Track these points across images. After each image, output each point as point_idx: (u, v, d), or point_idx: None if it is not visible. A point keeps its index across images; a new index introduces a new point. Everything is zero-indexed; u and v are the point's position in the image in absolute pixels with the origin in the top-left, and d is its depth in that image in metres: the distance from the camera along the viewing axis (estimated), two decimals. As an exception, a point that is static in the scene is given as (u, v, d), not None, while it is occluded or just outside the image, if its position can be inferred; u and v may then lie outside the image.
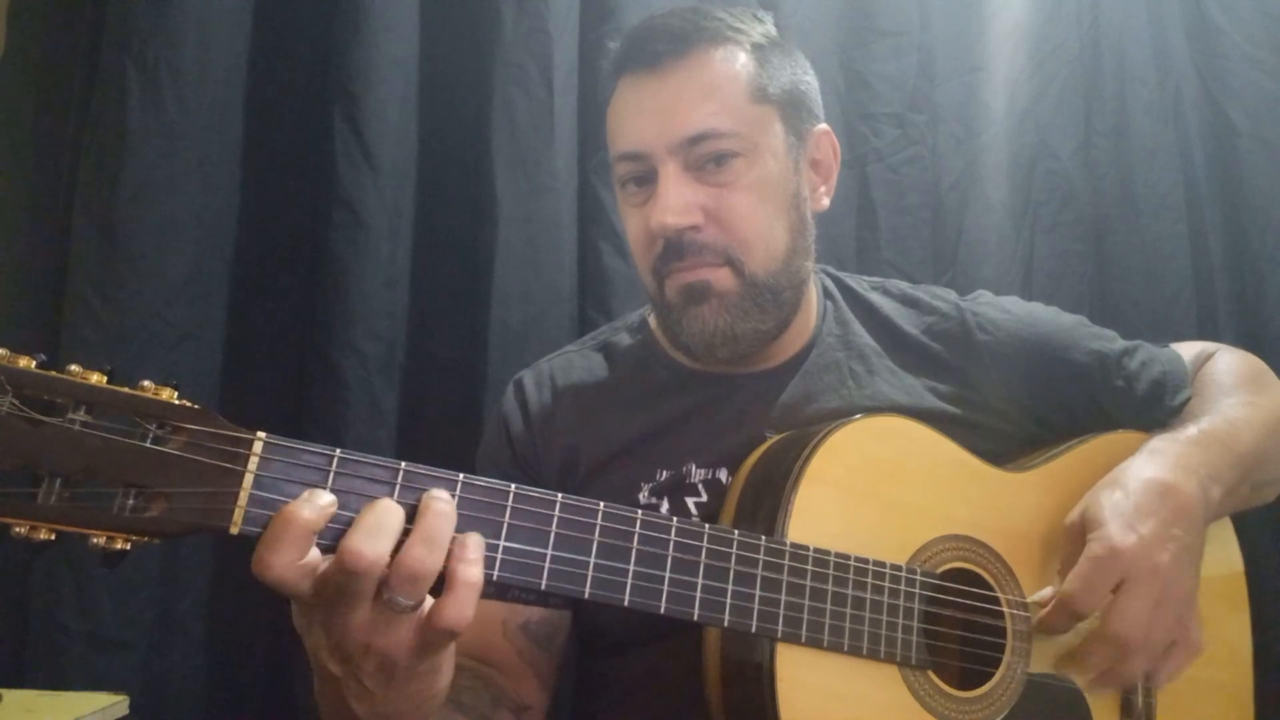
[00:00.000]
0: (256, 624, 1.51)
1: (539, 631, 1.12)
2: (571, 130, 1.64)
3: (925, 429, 1.05)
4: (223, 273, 1.56)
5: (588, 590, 0.81)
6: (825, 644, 0.91)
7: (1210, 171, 1.79)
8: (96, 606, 1.37)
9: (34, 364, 0.66)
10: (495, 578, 0.78)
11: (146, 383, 0.70)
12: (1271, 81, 1.76)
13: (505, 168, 1.59)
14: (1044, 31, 1.78)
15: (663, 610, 0.84)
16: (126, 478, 0.68)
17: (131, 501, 0.68)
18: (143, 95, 1.45)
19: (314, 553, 0.71)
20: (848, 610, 0.93)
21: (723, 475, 1.09)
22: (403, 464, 0.75)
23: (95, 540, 0.68)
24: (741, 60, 1.09)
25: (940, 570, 1.00)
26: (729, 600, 0.87)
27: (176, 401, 0.70)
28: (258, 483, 0.71)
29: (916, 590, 0.97)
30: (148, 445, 0.68)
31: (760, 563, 0.89)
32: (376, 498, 0.73)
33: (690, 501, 1.08)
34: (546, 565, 0.80)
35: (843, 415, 1.03)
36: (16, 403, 0.65)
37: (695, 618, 0.86)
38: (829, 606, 0.92)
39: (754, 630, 0.88)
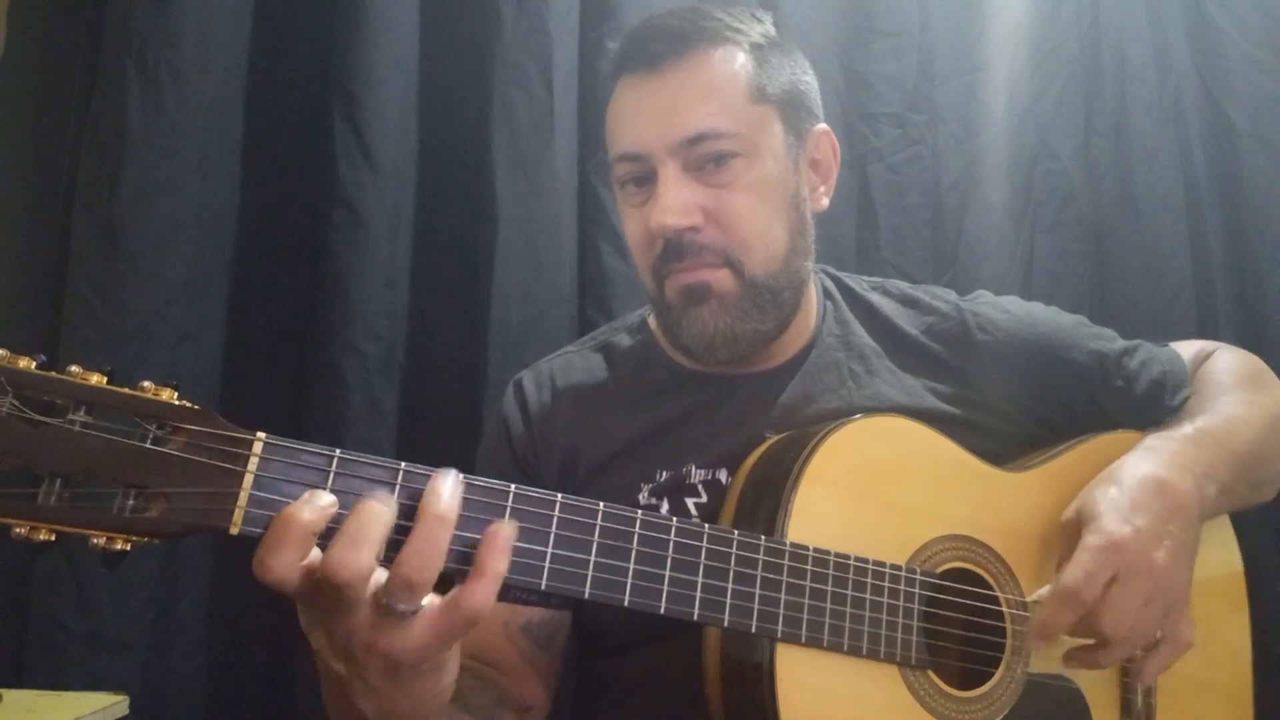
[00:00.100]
0: (256, 624, 1.51)
1: (540, 632, 1.12)
2: (571, 130, 1.64)
3: (925, 429, 1.05)
4: (223, 273, 1.56)
5: (588, 590, 0.81)
6: (825, 644, 0.91)
7: (1210, 171, 1.79)
8: (96, 606, 1.37)
9: (34, 364, 0.66)
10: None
11: (146, 383, 0.70)
12: (1271, 81, 1.76)
13: (505, 168, 1.58)
14: (1044, 31, 1.78)
15: (663, 610, 0.84)
16: (126, 478, 0.67)
17: (131, 502, 0.68)
18: (143, 95, 1.45)
19: (315, 554, 0.71)
20: (847, 610, 0.93)
21: (722, 476, 1.09)
22: (402, 464, 0.75)
23: (95, 541, 0.67)
24: (740, 60, 1.09)
25: (940, 570, 1.00)
26: (729, 600, 0.87)
27: (176, 402, 0.70)
28: (258, 483, 0.71)
29: (916, 590, 0.97)
30: (148, 446, 0.68)
31: (760, 563, 0.89)
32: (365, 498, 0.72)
33: (690, 502, 1.08)
34: (546, 565, 0.80)
35: (842, 415, 1.03)
36: (16, 403, 0.65)
37: (695, 618, 0.86)
38: (829, 606, 0.92)
39: (754, 630, 0.88)
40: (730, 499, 1.03)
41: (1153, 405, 1.19)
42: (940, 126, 1.75)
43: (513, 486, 0.79)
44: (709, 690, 0.97)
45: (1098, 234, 1.77)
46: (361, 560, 0.69)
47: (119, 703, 1.20)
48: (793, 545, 0.91)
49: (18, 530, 0.65)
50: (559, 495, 0.81)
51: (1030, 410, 1.18)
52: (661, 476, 1.11)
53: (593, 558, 0.82)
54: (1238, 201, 1.76)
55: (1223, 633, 1.16)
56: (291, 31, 1.62)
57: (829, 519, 0.96)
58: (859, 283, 1.26)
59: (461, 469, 0.77)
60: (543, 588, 0.80)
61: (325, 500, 0.71)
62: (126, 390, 0.69)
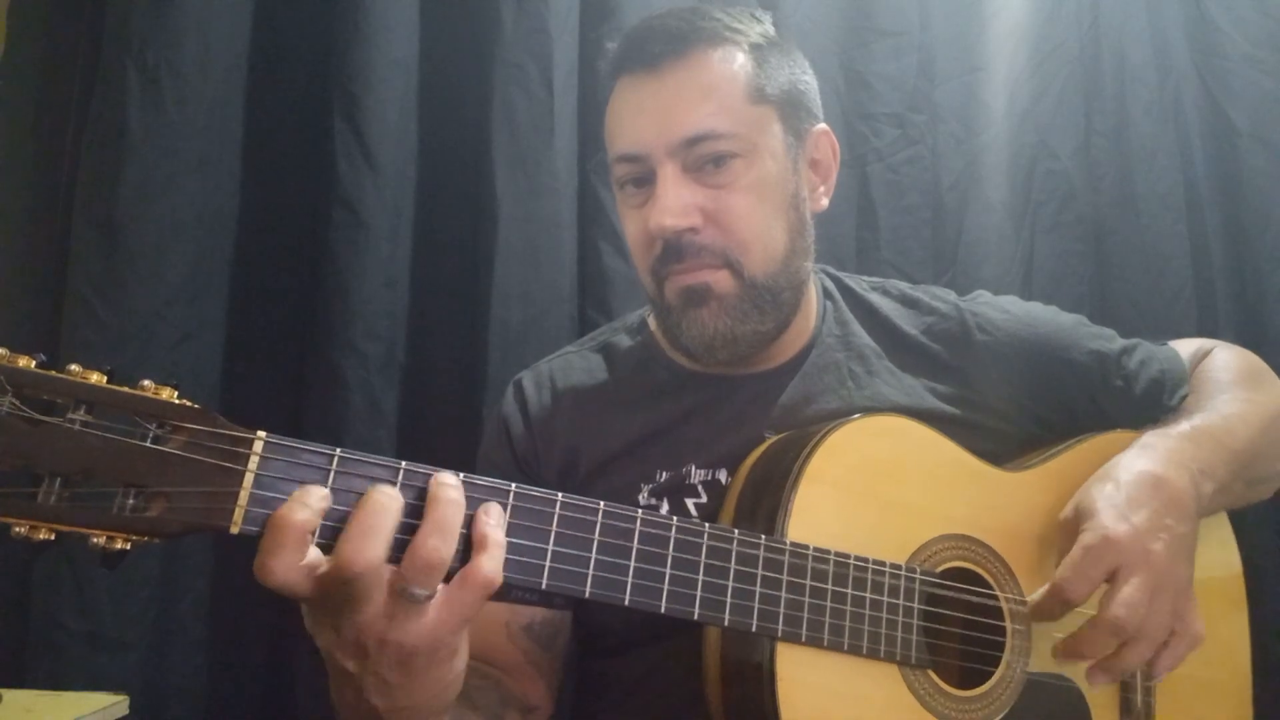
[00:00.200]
0: (256, 624, 1.51)
1: (542, 633, 1.12)
2: (571, 130, 1.64)
3: (924, 428, 1.05)
4: (223, 273, 1.56)
5: (588, 590, 0.81)
6: (825, 643, 0.91)
7: (1210, 171, 1.79)
8: (96, 606, 1.37)
9: (34, 364, 0.66)
10: (496, 577, 0.78)
11: (146, 382, 0.70)
12: (1271, 81, 1.76)
13: (505, 168, 1.58)
14: (1044, 31, 1.78)
15: (663, 610, 0.84)
16: (126, 477, 0.68)
17: (131, 501, 0.68)
18: (143, 95, 1.45)
19: (314, 552, 0.71)
20: (847, 609, 0.93)
21: (722, 476, 1.09)
22: (403, 463, 0.75)
23: (95, 540, 0.68)
24: (739, 61, 1.09)
25: (939, 569, 1.00)
26: (729, 599, 0.87)
27: (176, 401, 0.70)
28: (258, 482, 0.71)
29: (916, 589, 0.97)
30: (148, 445, 0.68)
31: (760, 562, 0.89)
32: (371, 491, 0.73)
33: (690, 502, 1.08)
34: (547, 565, 0.80)
35: (842, 416, 1.03)
36: (16, 402, 0.65)
37: (695, 617, 0.86)
38: (829, 605, 0.92)
39: (754, 629, 0.88)
40: (730, 499, 1.03)
41: (1152, 404, 1.19)
42: (940, 126, 1.75)
43: (513, 486, 0.79)
44: (709, 690, 0.97)
45: (1098, 234, 1.78)
46: (375, 552, 0.70)
47: (119, 703, 1.20)
48: (793, 545, 0.91)
49: (17, 529, 0.65)
50: (559, 495, 0.81)
51: (1030, 410, 1.18)
52: (661, 477, 1.11)
53: (593, 557, 0.82)
54: (1238, 201, 1.76)
55: (1222, 633, 1.16)
56: (291, 31, 1.62)
57: (828, 519, 0.96)
58: (859, 283, 1.26)
59: (461, 469, 0.77)
60: (543, 587, 0.80)
61: (317, 495, 0.71)
62: (126, 389, 0.69)
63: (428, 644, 0.73)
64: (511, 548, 0.78)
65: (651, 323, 1.22)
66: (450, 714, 0.83)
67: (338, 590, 0.70)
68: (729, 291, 1.08)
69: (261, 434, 0.72)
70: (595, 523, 0.82)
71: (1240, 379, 1.22)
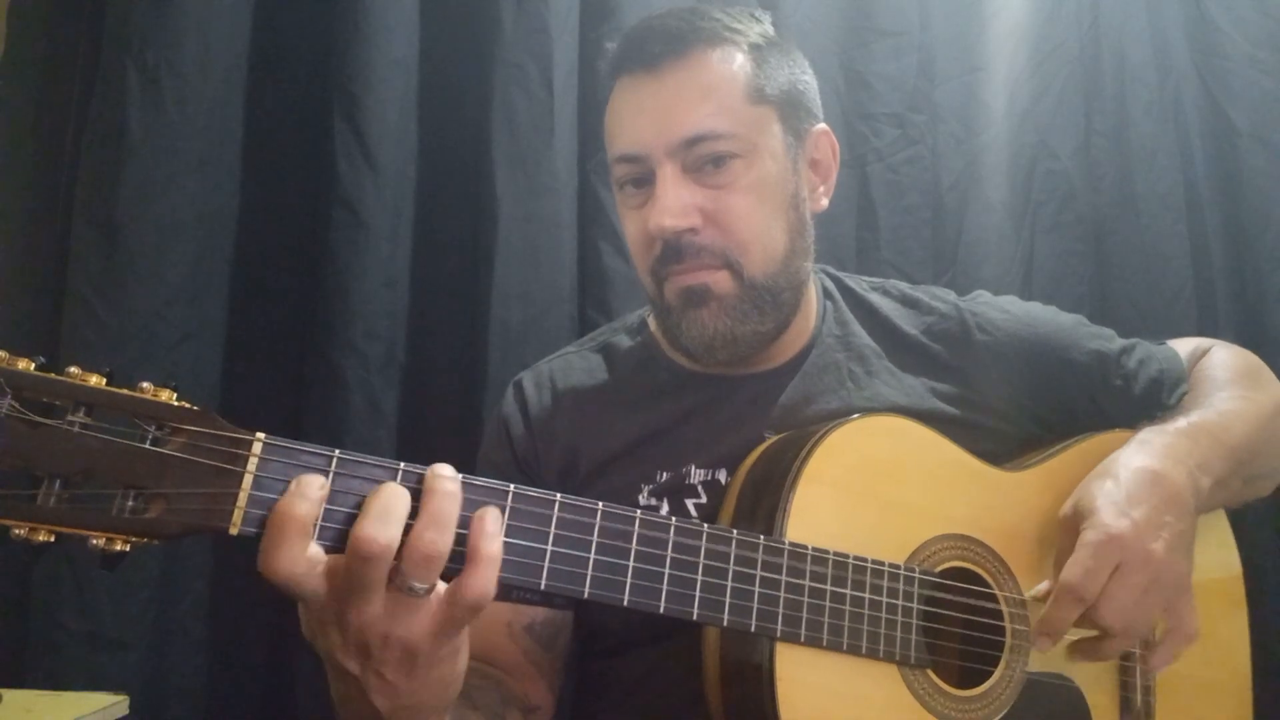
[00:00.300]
0: (256, 624, 1.51)
1: (543, 632, 1.13)
2: (571, 130, 1.64)
3: (923, 429, 1.05)
4: (223, 273, 1.56)
5: (587, 590, 0.81)
6: (824, 643, 0.91)
7: (1210, 171, 1.79)
8: (96, 606, 1.37)
9: (33, 366, 0.66)
10: (495, 578, 0.78)
11: (146, 384, 0.70)
12: (1271, 81, 1.76)
13: (505, 168, 1.58)
14: (1044, 31, 1.78)
15: (662, 610, 0.84)
16: (125, 479, 0.68)
17: (131, 503, 0.68)
18: (143, 95, 1.45)
19: (315, 548, 0.71)
20: (847, 609, 0.93)
21: (722, 476, 1.09)
22: (402, 464, 0.75)
23: (95, 541, 0.68)
24: (739, 61, 1.09)
25: (939, 569, 1.00)
26: (728, 600, 0.87)
27: (176, 403, 0.70)
28: (257, 483, 0.71)
29: (915, 589, 0.97)
30: (147, 446, 0.69)
31: (759, 562, 0.89)
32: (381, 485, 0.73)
33: (690, 503, 1.08)
34: (546, 565, 0.80)
35: (841, 416, 1.03)
36: (16, 404, 0.65)
37: (695, 617, 0.86)
38: (828, 605, 0.92)
39: (753, 629, 0.88)
40: (729, 499, 1.03)
41: (1151, 403, 1.19)
42: (940, 126, 1.75)
43: (512, 486, 0.79)
44: (709, 690, 0.97)
45: (1098, 234, 1.78)
46: (390, 534, 0.70)
47: (119, 703, 1.20)
48: (791, 545, 0.92)
49: (17, 531, 0.65)
50: (558, 495, 0.81)
51: (1030, 410, 1.18)
52: (661, 477, 1.11)
53: (592, 557, 0.82)
54: (1238, 201, 1.76)
55: (1222, 633, 1.16)
56: (291, 31, 1.62)
57: (827, 518, 0.96)
58: (859, 283, 1.26)
59: (461, 470, 0.77)
60: (542, 587, 0.80)
61: (315, 484, 0.71)
62: (126, 391, 0.69)
63: (429, 641, 0.74)
64: (510, 548, 0.78)
65: (651, 323, 1.22)
66: (451, 714, 0.83)
67: (347, 580, 0.70)
68: (729, 292, 1.08)
69: (260, 435, 0.72)
70: (594, 524, 0.82)
71: (1238, 377, 1.22)
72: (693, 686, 0.98)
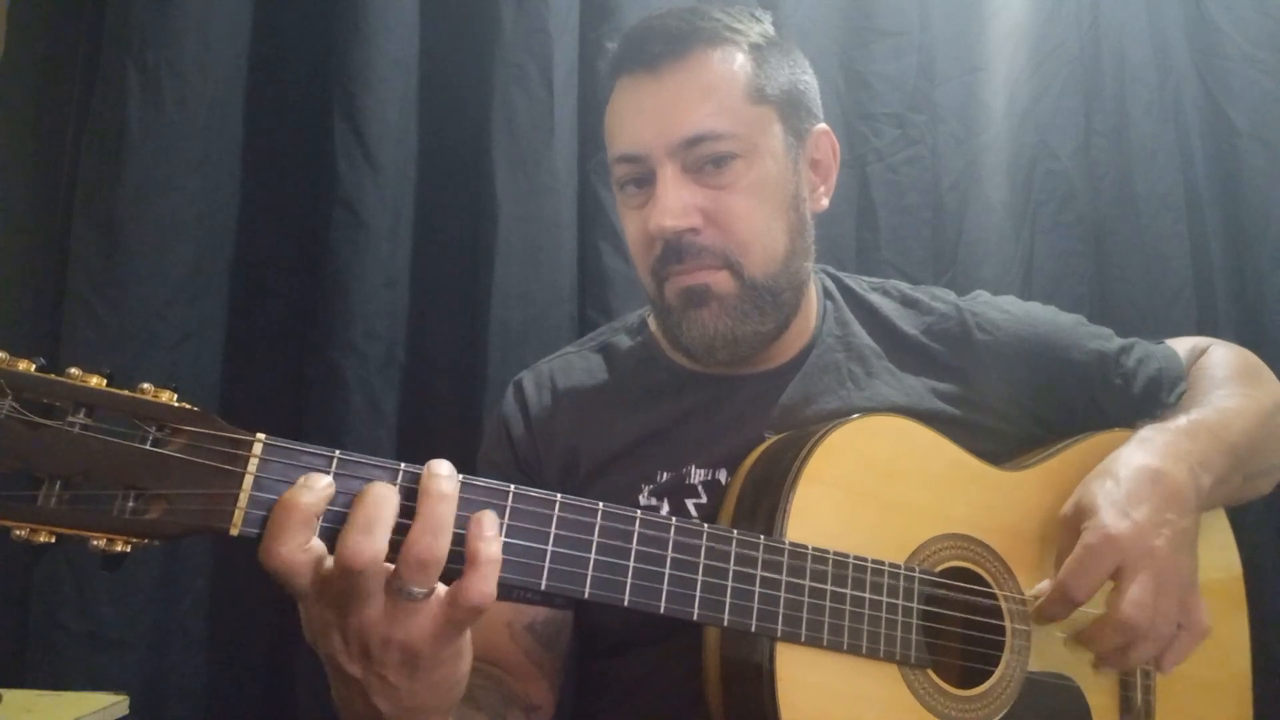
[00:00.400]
0: (256, 624, 1.51)
1: (545, 632, 1.13)
2: (571, 130, 1.64)
3: (923, 428, 1.05)
4: (223, 273, 1.56)
5: (587, 590, 0.81)
6: (825, 643, 0.91)
7: (1210, 171, 1.79)
8: (96, 606, 1.37)
9: (33, 367, 0.66)
10: (495, 578, 0.78)
11: (146, 385, 0.70)
12: (1271, 81, 1.76)
13: (505, 168, 1.59)
14: (1044, 31, 1.78)
15: (662, 610, 0.84)
16: (126, 480, 0.68)
17: (131, 504, 0.68)
18: (143, 95, 1.45)
19: (317, 543, 0.71)
20: (847, 609, 0.93)
21: (722, 476, 1.09)
22: (402, 464, 0.75)
23: (95, 542, 0.68)
24: (739, 61, 1.09)
25: (939, 569, 1.00)
26: (728, 600, 0.87)
27: (176, 404, 0.70)
28: (257, 484, 0.71)
29: (915, 589, 0.97)
30: (147, 447, 0.69)
31: (759, 562, 0.89)
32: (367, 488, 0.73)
33: (690, 503, 1.08)
34: (546, 565, 0.80)
35: (841, 416, 1.03)
36: (16, 406, 0.65)
37: (695, 617, 0.86)
38: (828, 605, 0.92)
39: (753, 629, 0.88)
40: (729, 499, 1.03)
41: (1150, 402, 1.19)
42: (940, 126, 1.75)
43: (512, 486, 0.79)
44: (709, 690, 0.97)
45: (1098, 234, 1.77)
46: (375, 544, 0.70)
47: (119, 703, 1.20)
48: (791, 545, 0.92)
49: (18, 532, 0.65)
50: (558, 495, 0.81)
51: (1030, 410, 1.18)
52: (662, 477, 1.11)
53: (592, 557, 0.82)
54: (1238, 201, 1.76)
55: (1222, 633, 1.15)
56: (291, 31, 1.62)
57: (827, 519, 0.96)
58: (859, 283, 1.26)
59: (461, 470, 0.77)
60: (542, 588, 0.80)
61: (322, 482, 0.71)
62: (126, 392, 0.69)
63: (430, 644, 0.73)
64: (510, 549, 0.78)
65: (651, 323, 1.22)
66: (455, 714, 0.83)
67: (341, 588, 0.71)
68: (729, 292, 1.08)
69: (260, 436, 0.72)
70: (594, 524, 0.82)
71: (1236, 375, 1.22)
72: (693, 686, 0.98)
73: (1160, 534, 0.98)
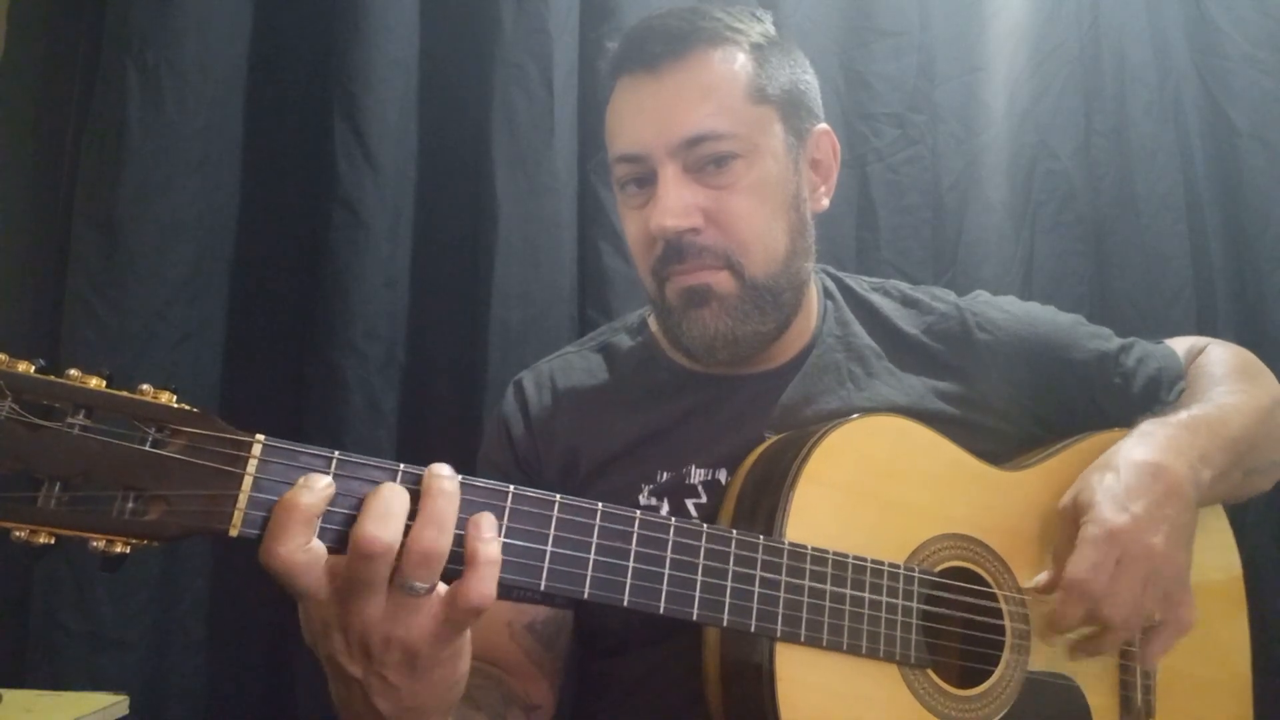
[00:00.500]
0: (256, 624, 1.51)
1: (545, 631, 1.13)
2: (571, 130, 1.64)
3: (923, 428, 1.05)
4: (223, 273, 1.56)
5: (587, 591, 0.81)
6: (825, 643, 0.91)
7: (1210, 171, 1.79)
8: (96, 606, 1.37)
9: (33, 368, 0.66)
10: (494, 578, 0.78)
11: (146, 386, 0.70)
12: (1271, 81, 1.76)
13: (505, 168, 1.59)
14: (1044, 31, 1.78)
15: (662, 610, 0.84)
16: (125, 481, 0.68)
17: (131, 505, 0.68)
18: (143, 95, 1.45)
19: (317, 543, 0.71)
20: (846, 609, 0.93)
21: (722, 476, 1.09)
22: (401, 465, 0.75)
23: (95, 544, 0.68)
24: (740, 61, 1.09)
25: (938, 569, 1.00)
26: (728, 600, 0.87)
27: (175, 405, 0.70)
28: (257, 485, 0.71)
29: (915, 589, 0.97)
30: (146, 449, 0.68)
31: (759, 562, 0.89)
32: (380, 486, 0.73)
33: (690, 503, 1.08)
34: (545, 565, 0.80)
35: (841, 416, 1.03)
36: (16, 407, 0.65)
37: (694, 617, 0.86)
38: (828, 605, 0.92)
39: (753, 629, 0.88)
40: (729, 499, 1.03)
41: (1150, 400, 1.19)
42: (940, 126, 1.75)
43: (511, 487, 0.79)
44: (709, 690, 0.97)
45: (1098, 234, 1.77)
46: (391, 533, 0.70)
47: (119, 703, 1.20)
48: (791, 545, 0.92)
49: (17, 534, 0.65)
50: (557, 496, 0.81)
51: (1030, 410, 1.18)
52: (662, 477, 1.11)
53: (592, 558, 0.82)
54: (1238, 201, 1.76)
55: (1222, 633, 1.16)
56: (291, 31, 1.62)
57: (827, 519, 0.96)
58: (859, 283, 1.26)
59: (461, 470, 0.77)
60: (542, 588, 0.80)
61: (322, 483, 0.71)
62: (125, 393, 0.69)
63: (430, 643, 0.74)
64: (510, 549, 0.78)
65: (652, 323, 1.22)
66: (454, 714, 0.83)
67: (348, 579, 0.71)
68: (730, 292, 1.08)
69: (260, 437, 0.72)
70: (594, 524, 0.82)
71: (1235, 373, 1.22)
72: (693, 686, 0.98)
73: (1158, 530, 0.98)
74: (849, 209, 1.71)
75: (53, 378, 0.67)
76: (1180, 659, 1.06)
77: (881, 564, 0.96)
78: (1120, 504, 0.98)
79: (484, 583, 0.73)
